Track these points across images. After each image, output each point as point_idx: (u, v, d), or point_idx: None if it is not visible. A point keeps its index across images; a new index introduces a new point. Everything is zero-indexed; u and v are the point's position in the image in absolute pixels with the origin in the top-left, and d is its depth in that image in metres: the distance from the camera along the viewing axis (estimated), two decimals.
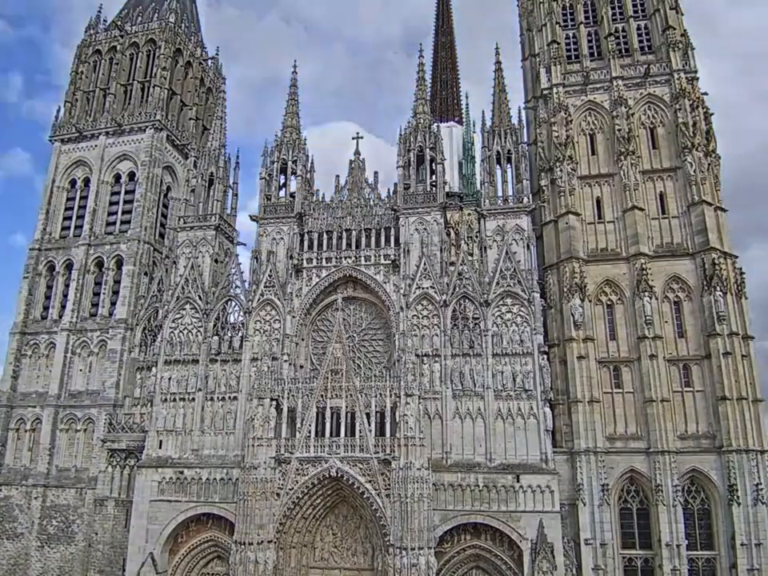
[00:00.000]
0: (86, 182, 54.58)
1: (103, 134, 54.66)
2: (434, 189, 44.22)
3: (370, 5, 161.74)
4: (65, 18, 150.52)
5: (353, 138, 48.02)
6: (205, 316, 44.31)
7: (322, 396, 38.57)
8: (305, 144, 48.02)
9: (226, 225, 48.19)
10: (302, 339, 44.19)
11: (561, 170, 44.85)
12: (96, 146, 54.71)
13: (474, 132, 61.47)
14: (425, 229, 43.31)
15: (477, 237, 50.08)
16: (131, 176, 53.65)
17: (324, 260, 44.30)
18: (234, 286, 45.30)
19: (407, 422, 36.50)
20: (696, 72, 45.93)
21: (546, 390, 38.60)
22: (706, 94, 46.10)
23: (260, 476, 37.33)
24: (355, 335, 44.19)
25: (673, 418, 39.05)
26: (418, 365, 39.03)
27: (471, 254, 48.09)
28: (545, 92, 48.13)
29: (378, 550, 37.87)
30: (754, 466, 37.34)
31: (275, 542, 36.92)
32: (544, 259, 45.68)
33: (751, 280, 42.72)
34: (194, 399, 42.59)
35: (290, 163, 47.10)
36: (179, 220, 48.03)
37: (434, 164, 44.90)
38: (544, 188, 46.71)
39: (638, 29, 48.75)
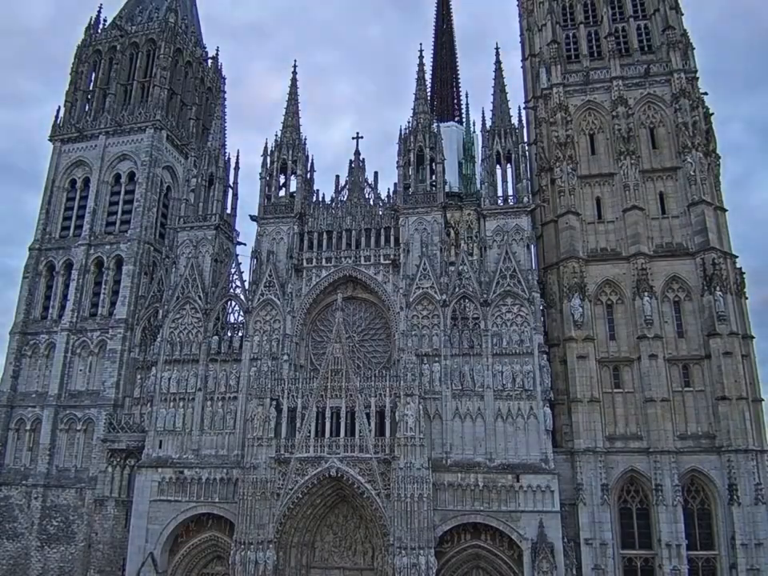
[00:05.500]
0: (86, 182, 54.45)
1: (103, 134, 54.54)
2: (434, 189, 44.23)
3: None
4: None
5: (353, 138, 48.06)
6: (205, 316, 44.31)
7: (321, 396, 38.58)
8: (305, 144, 48.05)
9: (225, 225, 48.20)
10: (302, 339, 44.17)
11: (561, 170, 44.87)
12: (96, 145, 54.60)
13: (474, 132, 61.49)
14: (425, 229, 43.31)
15: (477, 237, 50.10)
16: (131, 176, 53.53)
17: (324, 260, 44.30)
18: (234, 285, 45.31)
19: (407, 422, 36.50)
20: (696, 72, 45.93)
21: (546, 389, 38.56)
22: (705, 93, 46.15)
23: (260, 476, 37.33)
24: (355, 335, 44.14)
25: (673, 417, 39.04)
26: (417, 365, 38.93)
27: (471, 254, 48.14)
28: (545, 92, 48.15)
29: (378, 550, 37.87)
30: (754, 465, 37.34)
31: (275, 542, 36.88)
32: (544, 259, 45.76)
33: None
34: (193, 399, 42.60)
35: (289, 163, 47.11)
36: (179, 220, 48.05)
37: (433, 164, 44.89)
38: (544, 188, 46.80)
39: (638, 29, 48.76)
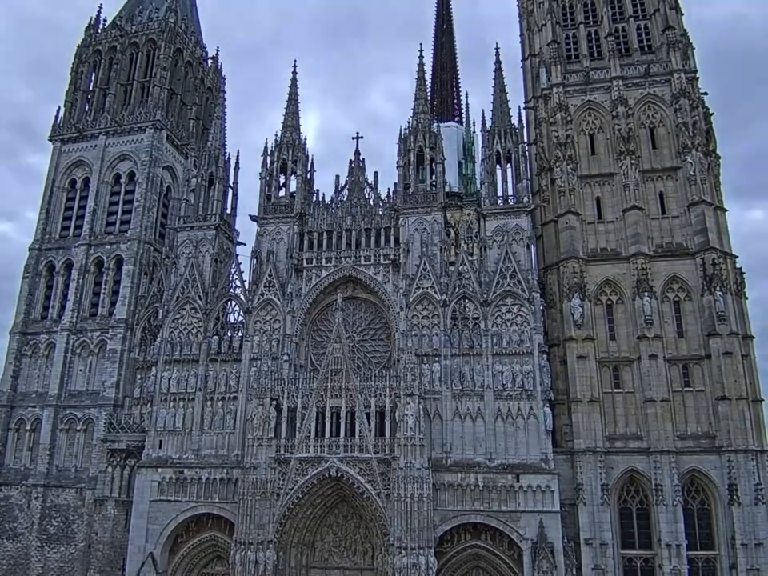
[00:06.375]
0: (86, 182, 54.42)
1: (103, 134, 54.51)
2: (434, 189, 44.23)
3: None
4: None
5: (353, 138, 48.05)
6: (205, 316, 44.32)
7: (321, 396, 38.57)
8: (305, 144, 48.04)
9: (225, 225, 48.19)
10: (302, 339, 44.17)
11: (561, 170, 44.87)
12: (96, 146, 54.58)
13: (474, 132, 61.49)
14: (425, 229, 43.31)
15: (477, 237, 50.10)
16: (131, 176, 53.51)
17: (324, 260, 44.30)
18: (234, 286, 45.33)
19: (407, 422, 36.49)
20: (696, 72, 45.92)
21: (546, 389, 38.56)
22: (705, 93, 46.19)
23: (260, 476, 37.34)
24: (355, 335, 44.14)
25: (673, 417, 39.05)
26: (417, 365, 38.92)
27: (471, 254, 48.12)
28: (545, 92, 48.16)
29: (378, 550, 37.85)
30: (754, 466, 37.36)
31: (275, 542, 36.86)
32: (544, 259, 45.77)
33: None
34: (193, 399, 42.61)
35: (289, 163, 47.11)
36: (179, 220, 48.04)
37: (433, 164, 44.89)
38: (544, 188, 46.81)
39: (638, 29, 48.76)
